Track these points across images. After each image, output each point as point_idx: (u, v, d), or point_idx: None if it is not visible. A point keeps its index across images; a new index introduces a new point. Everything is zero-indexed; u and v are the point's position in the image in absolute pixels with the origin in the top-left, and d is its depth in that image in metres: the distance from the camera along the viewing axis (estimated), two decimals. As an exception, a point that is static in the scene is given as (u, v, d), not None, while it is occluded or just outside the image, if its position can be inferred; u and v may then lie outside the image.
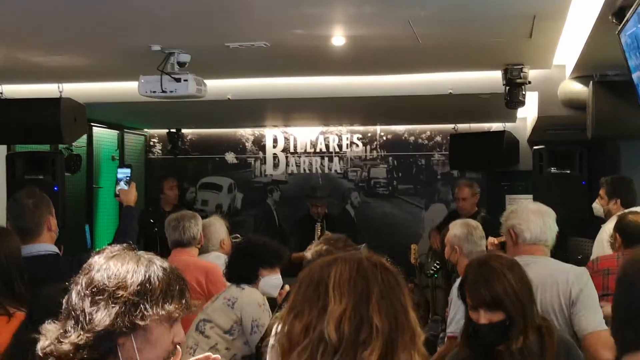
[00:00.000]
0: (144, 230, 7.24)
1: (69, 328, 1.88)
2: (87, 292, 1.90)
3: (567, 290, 3.42)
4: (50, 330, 1.92)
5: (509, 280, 2.84)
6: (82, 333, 1.86)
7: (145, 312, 1.90)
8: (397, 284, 1.74)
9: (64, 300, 1.95)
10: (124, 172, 4.60)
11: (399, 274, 1.77)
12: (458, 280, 4.15)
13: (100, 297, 1.89)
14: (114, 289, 1.89)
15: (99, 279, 1.91)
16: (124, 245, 2.04)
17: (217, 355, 2.26)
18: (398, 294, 1.73)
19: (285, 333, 1.70)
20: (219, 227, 5.53)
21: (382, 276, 1.74)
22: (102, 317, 1.86)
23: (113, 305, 1.88)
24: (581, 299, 3.41)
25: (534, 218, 3.64)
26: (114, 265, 1.94)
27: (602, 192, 5.64)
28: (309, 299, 1.72)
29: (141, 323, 1.89)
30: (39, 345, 1.90)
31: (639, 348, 1.69)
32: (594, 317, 3.39)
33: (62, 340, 1.87)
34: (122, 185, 4.52)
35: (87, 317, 1.87)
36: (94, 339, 1.86)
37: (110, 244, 4.05)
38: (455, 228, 4.57)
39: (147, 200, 9.22)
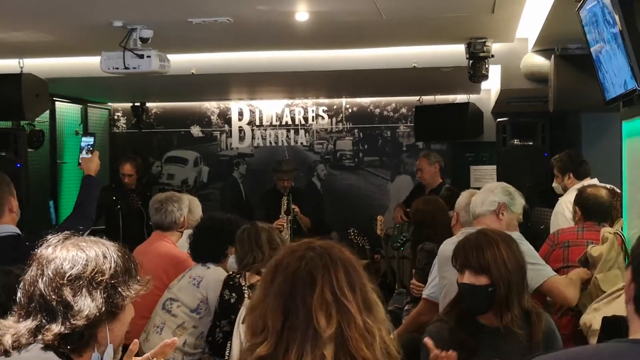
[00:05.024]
0: (107, 208, 7.18)
1: (44, 321, 1.87)
2: (64, 281, 1.88)
3: None
4: (12, 327, 1.90)
5: (500, 250, 2.88)
6: (66, 323, 1.86)
7: (123, 294, 1.93)
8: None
9: (25, 295, 1.92)
10: (86, 141, 4.55)
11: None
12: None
13: (80, 284, 1.89)
14: (92, 274, 1.90)
15: (70, 267, 1.90)
16: (66, 233, 2.03)
17: (174, 339, 2.29)
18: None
19: (247, 325, 1.73)
20: (198, 204, 5.44)
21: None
22: (89, 304, 1.87)
23: (95, 291, 1.89)
24: None
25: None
26: (79, 252, 1.94)
27: (555, 171, 5.77)
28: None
29: (124, 303, 1.92)
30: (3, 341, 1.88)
31: None
32: (541, 268, 3.55)
33: (42, 332, 1.86)
34: (84, 153, 4.47)
35: (72, 307, 1.86)
36: (80, 327, 1.86)
37: (69, 217, 4.03)
38: (462, 196, 4.72)
39: (112, 175, 9.15)
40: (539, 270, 3.54)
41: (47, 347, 1.86)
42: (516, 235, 3.68)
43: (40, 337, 1.86)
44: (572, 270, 3.98)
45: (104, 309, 1.88)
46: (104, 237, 2.07)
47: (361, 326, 1.65)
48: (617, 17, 3.18)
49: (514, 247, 2.95)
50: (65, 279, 1.89)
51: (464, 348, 2.81)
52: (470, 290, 2.88)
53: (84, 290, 1.88)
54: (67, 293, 1.87)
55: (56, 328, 1.86)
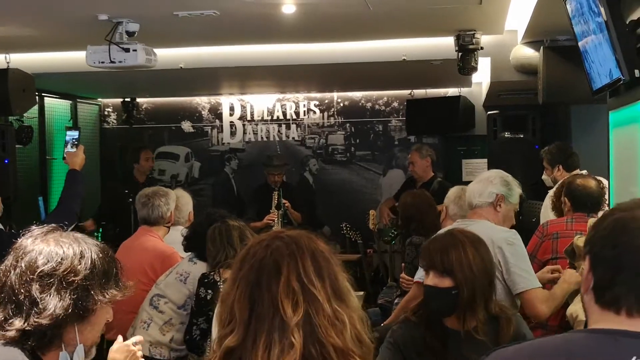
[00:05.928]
0: (118, 202, 7.11)
1: (10, 313, 1.84)
2: (34, 276, 1.84)
3: (492, 250, 3.47)
4: None
5: (466, 252, 2.81)
6: (30, 319, 1.82)
7: (95, 298, 1.88)
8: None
9: None
10: (71, 135, 4.51)
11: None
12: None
13: (50, 281, 1.84)
14: (64, 273, 1.85)
15: (44, 262, 1.86)
16: (52, 226, 1.99)
17: (139, 337, 2.30)
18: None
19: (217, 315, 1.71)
20: (188, 200, 5.36)
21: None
22: (56, 303, 1.83)
23: (65, 291, 1.84)
24: (507, 258, 3.50)
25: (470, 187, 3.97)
26: (56, 248, 1.89)
27: (544, 163, 5.75)
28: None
29: (95, 307, 1.88)
30: None
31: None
32: (526, 276, 3.49)
33: (5, 327, 1.83)
34: (69, 147, 4.43)
35: (37, 304, 1.82)
36: (43, 326, 1.82)
37: (52, 211, 3.99)
38: (451, 191, 4.73)
39: (102, 170, 9.12)
40: (525, 279, 3.48)
41: (7, 343, 1.83)
42: (512, 234, 3.63)
43: (3, 332, 1.83)
44: (568, 272, 3.77)
45: (70, 310, 1.84)
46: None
47: (330, 314, 1.63)
48: (601, 7, 3.16)
49: (481, 250, 2.88)
50: (36, 274, 1.85)
51: (431, 351, 2.79)
52: (434, 293, 2.82)
53: (52, 288, 1.83)
54: (35, 289, 1.83)
55: (19, 323, 1.82)
